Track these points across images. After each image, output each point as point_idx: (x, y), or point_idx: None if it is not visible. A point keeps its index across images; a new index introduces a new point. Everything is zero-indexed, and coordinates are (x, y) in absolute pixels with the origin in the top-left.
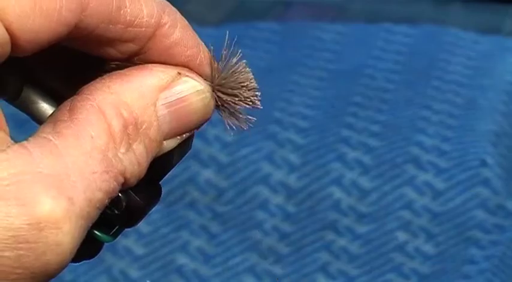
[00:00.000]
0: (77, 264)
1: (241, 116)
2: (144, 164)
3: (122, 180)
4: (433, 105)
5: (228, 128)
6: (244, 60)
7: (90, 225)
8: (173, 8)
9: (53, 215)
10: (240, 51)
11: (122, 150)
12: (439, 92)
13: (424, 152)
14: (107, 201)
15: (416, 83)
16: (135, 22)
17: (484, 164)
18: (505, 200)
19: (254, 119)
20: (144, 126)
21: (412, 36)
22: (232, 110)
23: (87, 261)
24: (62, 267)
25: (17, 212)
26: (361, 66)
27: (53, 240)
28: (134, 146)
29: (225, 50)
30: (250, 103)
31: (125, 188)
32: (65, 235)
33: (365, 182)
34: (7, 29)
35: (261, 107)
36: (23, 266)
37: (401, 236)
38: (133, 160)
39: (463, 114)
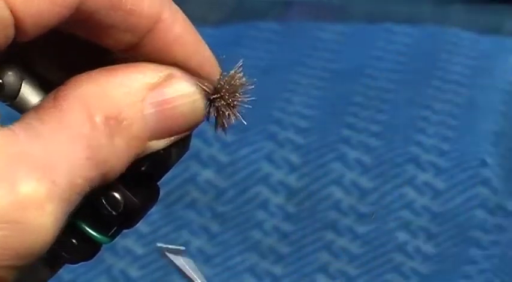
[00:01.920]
0: (76, 265)
1: (226, 122)
2: (125, 159)
3: (103, 170)
4: (433, 105)
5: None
6: (241, 66)
7: (71, 211)
8: (176, 6)
9: (37, 195)
10: (241, 62)
11: (104, 141)
12: (440, 92)
13: (424, 152)
14: (88, 188)
15: (416, 82)
16: (136, 11)
17: (484, 164)
18: (505, 200)
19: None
20: (126, 122)
21: (412, 36)
22: (220, 115)
23: (86, 262)
24: (44, 248)
25: (1, 192)
26: (361, 66)
27: (37, 220)
28: (115, 140)
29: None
30: (237, 116)
31: (105, 182)
32: (48, 216)
33: (365, 182)
34: (11, 11)
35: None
36: (8, 246)
37: (401, 236)
38: (114, 153)
39: (463, 114)
